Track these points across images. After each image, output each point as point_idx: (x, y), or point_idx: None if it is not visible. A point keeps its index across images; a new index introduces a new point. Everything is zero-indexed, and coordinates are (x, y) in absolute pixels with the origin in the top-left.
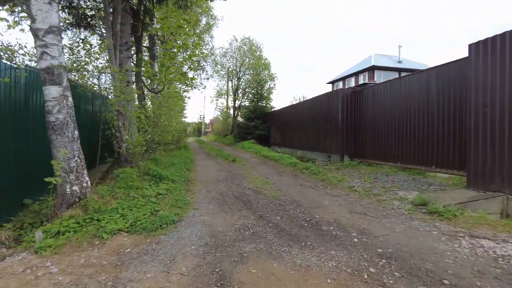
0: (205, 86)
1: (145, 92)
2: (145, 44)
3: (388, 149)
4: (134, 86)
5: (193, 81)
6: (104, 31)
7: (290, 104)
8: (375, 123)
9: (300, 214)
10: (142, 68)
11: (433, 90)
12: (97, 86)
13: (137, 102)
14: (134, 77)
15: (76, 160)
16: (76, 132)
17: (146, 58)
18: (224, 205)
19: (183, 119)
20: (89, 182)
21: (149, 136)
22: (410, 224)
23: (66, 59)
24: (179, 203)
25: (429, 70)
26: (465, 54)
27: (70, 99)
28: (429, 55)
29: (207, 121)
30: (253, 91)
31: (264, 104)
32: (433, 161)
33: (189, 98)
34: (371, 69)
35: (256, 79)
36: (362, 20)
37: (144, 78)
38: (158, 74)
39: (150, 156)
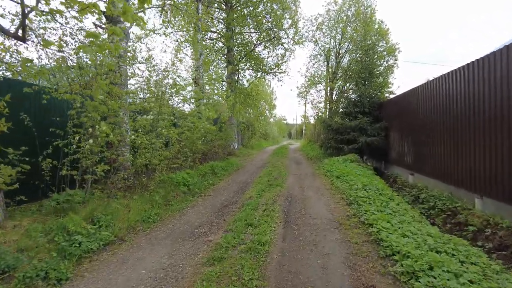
0: (284, 71)
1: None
2: None
3: None
4: None
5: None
6: None
7: (437, 77)
8: None
9: None
10: None
11: None
12: None
13: None
14: None
15: None
16: None
17: None
18: None
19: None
20: None
21: None
22: None
23: None
24: None
25: None
26: None
27: None
28: None
29: (312, 120)
30: (363, 72)
31: (376, 92)
32: None
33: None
34: None
35: (364, 47)
36: None
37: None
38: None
39: None
